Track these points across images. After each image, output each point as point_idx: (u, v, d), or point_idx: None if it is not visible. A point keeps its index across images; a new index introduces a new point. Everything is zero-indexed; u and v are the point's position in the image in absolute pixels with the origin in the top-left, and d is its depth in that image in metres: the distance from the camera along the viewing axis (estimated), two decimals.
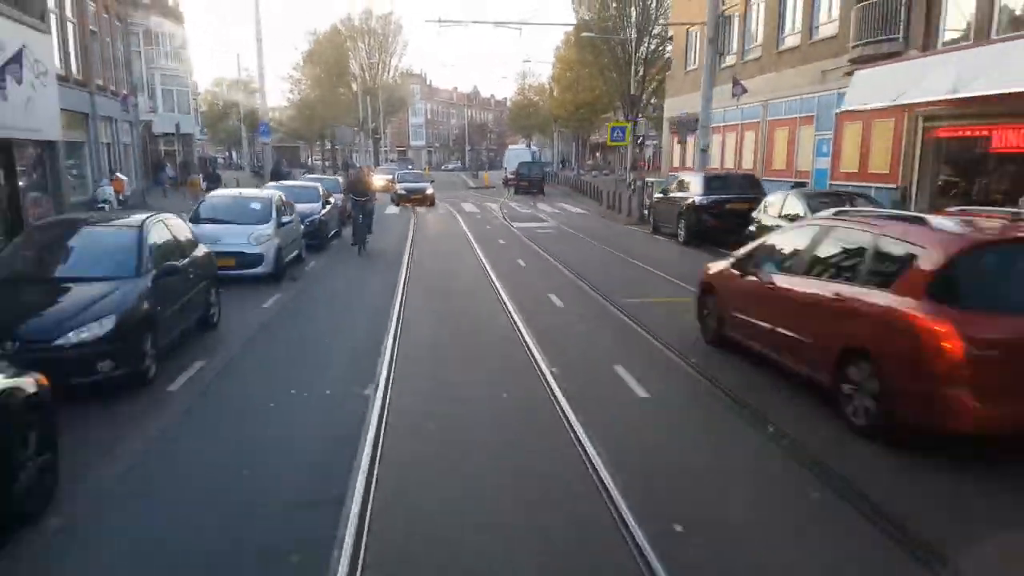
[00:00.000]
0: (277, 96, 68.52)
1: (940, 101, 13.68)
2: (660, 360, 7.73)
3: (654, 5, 41.17)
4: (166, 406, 6.12)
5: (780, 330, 6.61)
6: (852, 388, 5.54)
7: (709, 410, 6.36)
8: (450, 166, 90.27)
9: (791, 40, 21.62)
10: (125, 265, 6.87)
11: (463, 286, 12.14)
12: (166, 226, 8.07)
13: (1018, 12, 13.36)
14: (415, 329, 8.90)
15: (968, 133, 14.41)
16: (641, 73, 40.78)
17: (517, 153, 50.70)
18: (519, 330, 8.70)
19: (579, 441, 5.31)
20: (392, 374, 6.93)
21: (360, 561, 3.74)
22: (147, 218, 7.85)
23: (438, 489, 4.67)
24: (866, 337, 5.43)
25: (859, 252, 6.07)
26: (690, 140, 28.78)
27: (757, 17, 24.07)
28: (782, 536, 4.16)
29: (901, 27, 16.20)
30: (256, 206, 12.67)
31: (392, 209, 28.36)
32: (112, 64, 26.72)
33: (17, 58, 13.41)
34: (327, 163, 70.12)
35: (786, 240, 7.39)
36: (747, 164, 24.31)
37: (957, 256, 5.21)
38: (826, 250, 6.51)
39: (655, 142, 47.53)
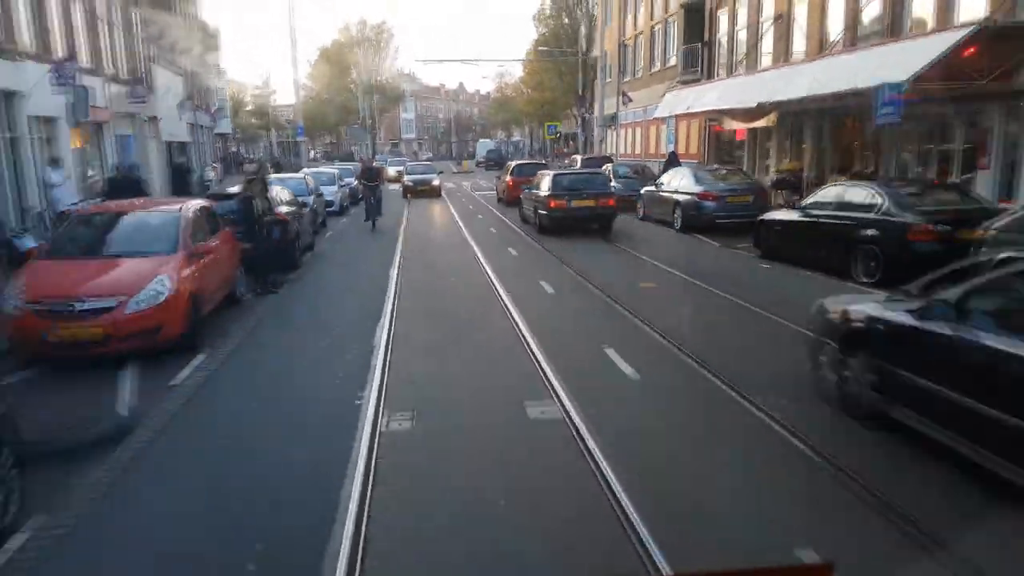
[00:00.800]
0: (288, 95, 78.76)
1: (711, 111, 24.27)
2: (500, 224, 18.25)
3: (599, 22, 51.76)
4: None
5: None
6: None
7: None
8: (423, 157, 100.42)
9: (656, 66, 32.36)
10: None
11: (440, 223, 22.49)
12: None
13: (742, 59, 23.98)
14: (412, 244, 19.03)
15: (723, 128, 25.17)
16: (589, 77, 51.28)
17: (485, 144, 73.17)
18: (465, 237, 18.50)
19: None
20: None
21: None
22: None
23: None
24: None
25: None
26: (609, 132, 39.82)
27: (639, 49, 34.82)
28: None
29: (701, 65, 26.89)
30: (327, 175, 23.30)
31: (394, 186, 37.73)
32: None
33: (183, 103, 24.10)
34: (324, 156, 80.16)
35: None
36: (638, 149, 35.00)
37: None
38: None
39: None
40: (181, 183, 22.88)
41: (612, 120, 38.85)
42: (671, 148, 26.14)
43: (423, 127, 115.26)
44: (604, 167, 23.85)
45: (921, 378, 4.64)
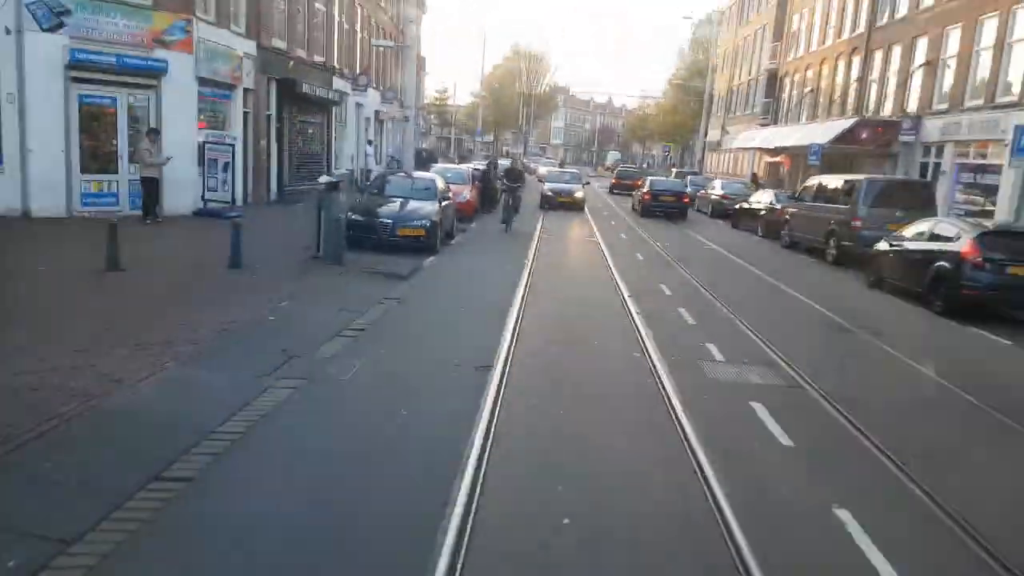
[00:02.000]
0: (462, 98, 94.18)
1: (761, 147, 35.23)
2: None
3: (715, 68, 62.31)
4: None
5: None
6: None
7: None
8: (567, 164, 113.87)
9: (748, 110, 43.34)
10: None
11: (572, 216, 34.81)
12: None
13: (786, 115, 34.76)
14: (550, 222, 31.65)
15: (775, 158, 36.09)
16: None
17: (613, 154, 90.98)
18: (592, 225, 30.99)
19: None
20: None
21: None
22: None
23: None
24: None
25: None
26: (715, 155, 50.81)
27: (739, 95, 45.80)
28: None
29: (770, 114, 37.79)
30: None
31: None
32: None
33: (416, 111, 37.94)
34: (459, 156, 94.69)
35: None
36: (730, 169, 45.88)
37: None
38: None
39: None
40: (422, 163, 36.53)
41: (717, 145, 49.81)
42: (754, 171, 37.46)
43: (570, 134, 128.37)
44: (686, 178, 35.48)
45: None
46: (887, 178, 18.57)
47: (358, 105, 28.61)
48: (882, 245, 13.22)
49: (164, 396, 5.51)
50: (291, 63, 20.11)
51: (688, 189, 29.86)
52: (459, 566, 3.48)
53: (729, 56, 50.61)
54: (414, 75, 22.65)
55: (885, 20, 26.42)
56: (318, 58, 22.70)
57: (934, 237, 11.90)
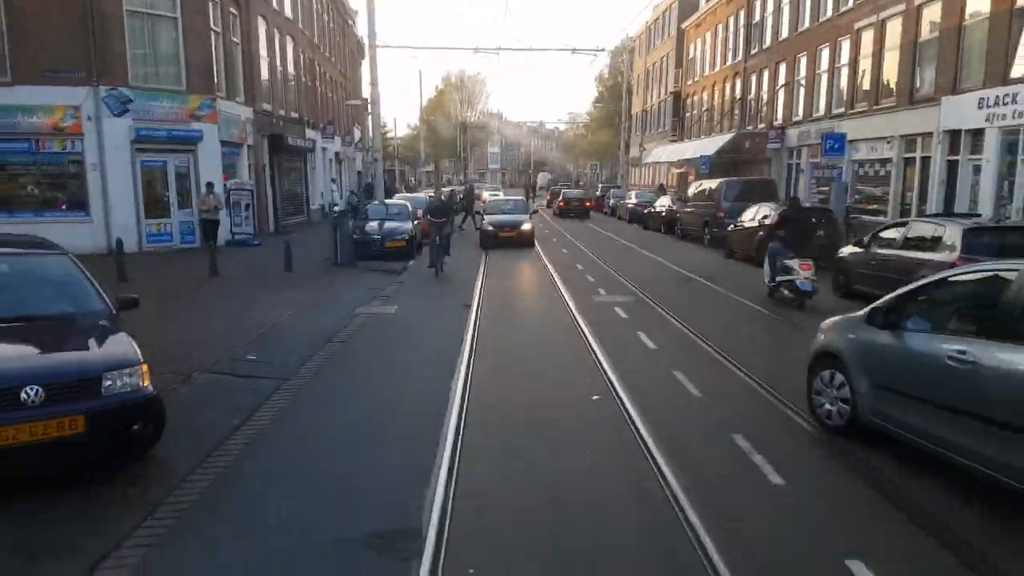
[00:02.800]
0: (403, 130, 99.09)
1: (665, 161, 41.20)
2: None
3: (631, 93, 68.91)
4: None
5: None
6: None
7: None
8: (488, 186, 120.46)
9: (660, 128, 49.56)
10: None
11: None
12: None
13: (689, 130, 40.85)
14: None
15: (681, 169, 42.14)
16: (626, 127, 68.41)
17: (543, 175, 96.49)
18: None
19: None
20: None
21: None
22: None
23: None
24: None
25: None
26: (636, 169, 56.71)
27: (651, 115, 52.08)
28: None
29: (678, 131, 43.89)
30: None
31: None
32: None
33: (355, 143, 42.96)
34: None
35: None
36: (649, 181, 51.88)
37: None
38: None
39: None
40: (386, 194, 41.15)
41: (638, 160, 55.89)
42: (661, 182, 43.33)
43: (507, 159, 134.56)
44: (608, 192, 41.29)
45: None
46: (741, 179, 24.23)
47: (323, 149, 33.32)
48: (731, 227, 18.69)
49: (299, 325, 10.31)
50: (276, 121, 24.83)
51: (589, 195, 38.67)
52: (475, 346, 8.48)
53: (642, 80, 56.98)
54: (379, 125, 27.26)
55: (756, 49, 32.57)
56: (294, 114, 27.45)
57: (756, 218, 17.39)
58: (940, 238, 10.55)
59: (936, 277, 5.67)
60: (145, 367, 4.98)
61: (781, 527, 4.51)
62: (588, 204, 34.31)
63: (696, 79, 42.05)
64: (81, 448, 4.60)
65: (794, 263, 11.67)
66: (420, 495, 4.75)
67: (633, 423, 6.14)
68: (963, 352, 4.66)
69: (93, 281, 5.86)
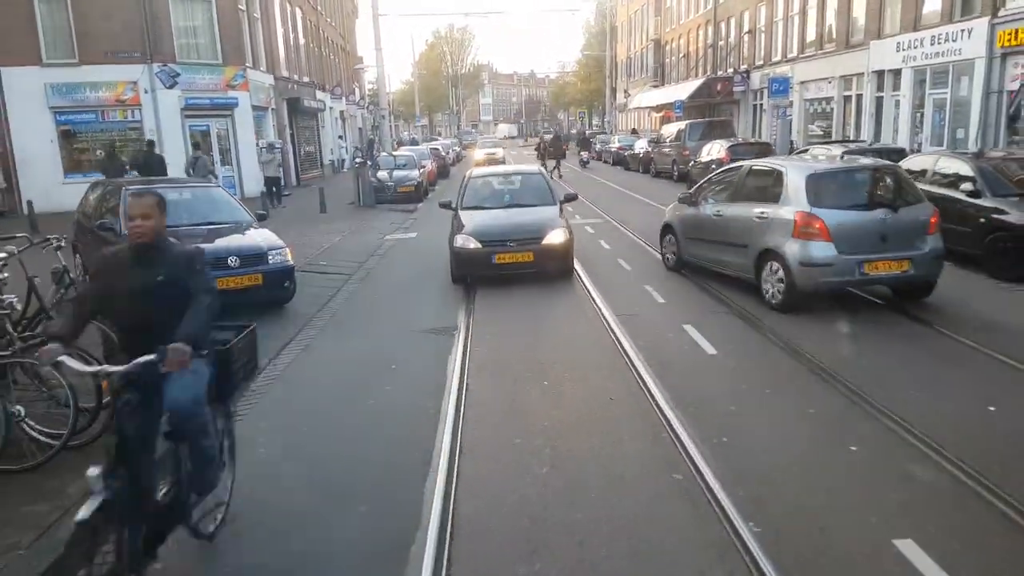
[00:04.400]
0: (393, 84, 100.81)
1: (647, 106, 44.05)
2: None
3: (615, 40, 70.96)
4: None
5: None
6: None
7: None
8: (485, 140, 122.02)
9: (643, 75, 52.13)
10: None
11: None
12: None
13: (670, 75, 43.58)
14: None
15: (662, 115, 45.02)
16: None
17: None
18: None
19: None
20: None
21: None
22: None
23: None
24: None
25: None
26: (622, 115, 59.41)
27: (635, 62, 54.54)
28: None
29: (659, 76, 46.59)
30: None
31: None
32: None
33: (358, 100, 45.66)
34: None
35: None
36: (634, 126, 54.69)
37: None
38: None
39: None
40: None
41: (624, 107, 58.56)
42: (633, 127, 46.18)
43: (498, 110, 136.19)
44: (595, 137, 44.23)
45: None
46: (703, 120, 27.42)
47: (331, 109, 36.29)
48: (691, 163, 21.97)
49: (346, 245, 13.75)
50: (292, 86, 27.85)
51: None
52: None
53: (625, 27, 59.27)
54: (384, 88, 30.13)
55: None
56: (306, 79, 30.42)
57: (711, 154, 20.67)
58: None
59: (711, 174, 10.71)
60: (289, 249, 8.47)
61: (646, 310, 8.16)
62: (565, 147, 37.84)
63: (674, 26, 44.60)
64: (260, 291, 8.11)
65: None
66: (453, 314, 8.37)
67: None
68: (719, 212, 9.25)
69: (239, 203, 9.33)
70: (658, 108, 41.77)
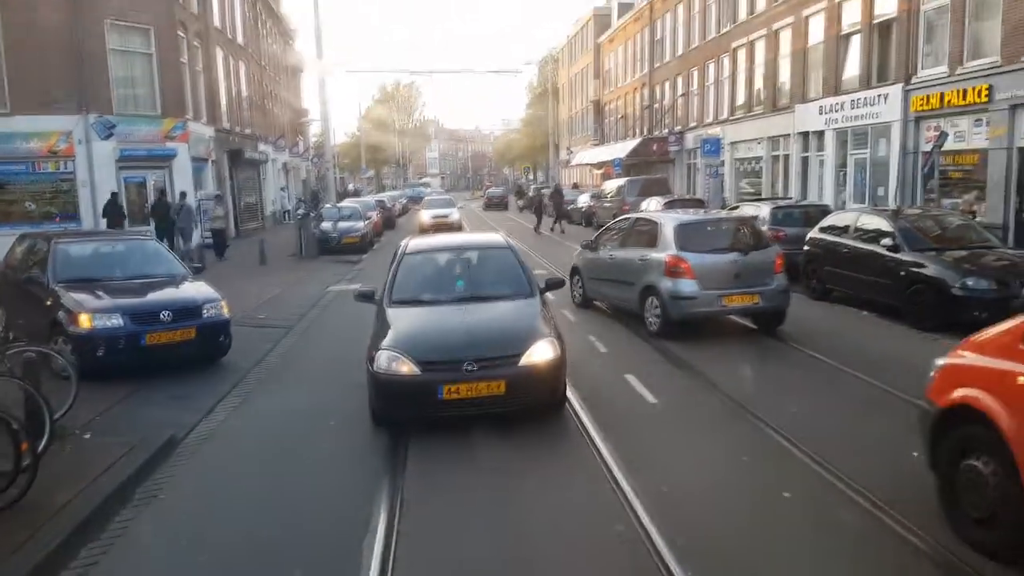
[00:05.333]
0: (338, 137, 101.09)
1: (587, 163, 45.29)
2: None
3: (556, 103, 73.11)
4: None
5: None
6: None
7: None
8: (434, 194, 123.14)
9: (584, 133, 53.69)
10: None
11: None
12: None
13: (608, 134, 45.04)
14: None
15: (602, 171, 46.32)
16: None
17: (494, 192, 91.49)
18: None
19: None
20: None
21: None
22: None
23: None
24: None
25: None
26: (565, 171, 60.75)
27: (577, 121, 56.20)
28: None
29: (599, 136, 48.03)
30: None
31: None
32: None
33: (301, 153, 45.63)
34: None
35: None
36: (577, 181, 56.02)
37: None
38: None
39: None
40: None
41: (567, 163, 60.01)
42: (575, 182, 47.33)
43: (446, 163, 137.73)
44: (540, 192, 44.98)
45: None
46: (641, 177, 28.31)
47: (273, 161, 36.11)
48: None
49: (287, 296, 13.55)
50: (234, 138, 27.67)
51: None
52: None
53: (567, 88, 61.18)
54: (330, 141, 30.22)
55: (659, 63, 36.84)
56: (248, 130, 30.28)
57: (649, 209, 21.30)
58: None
59: (608, 224, 12.63)
60: (224, 302, 8.29)
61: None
62: (505, 199, 39.34)
63: (612, 89, 46.28)
64: (194, 346, 7.88)
65: None
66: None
67: None
68: (612, 255, 10.84)
69: (174, 255, 9.14)
70: (599, 165, 42.95)
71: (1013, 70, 14.39)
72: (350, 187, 71.47)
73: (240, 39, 30.30)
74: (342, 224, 22.11)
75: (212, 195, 22.37)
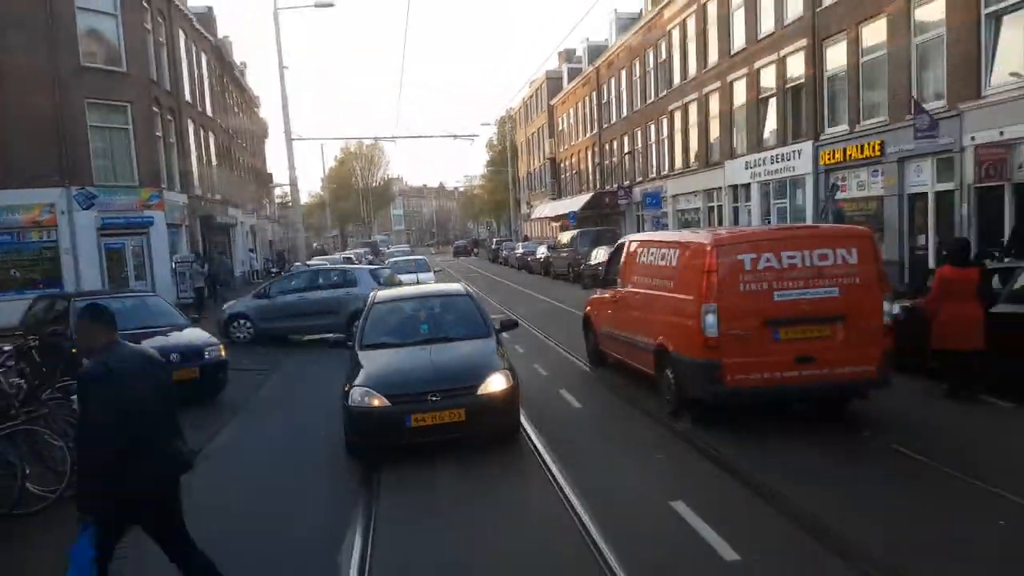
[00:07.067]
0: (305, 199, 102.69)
1: (548, 216, 47.57)
2: None
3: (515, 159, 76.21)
4: None
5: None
6: None
7: None
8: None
9: (542, 188, 56.20)
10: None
11: None
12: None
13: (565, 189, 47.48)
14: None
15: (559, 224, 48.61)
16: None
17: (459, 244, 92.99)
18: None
19: None
20: None
21: None
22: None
23: None
24: None
25: None
26: (527, 224, 63.03)
27: (535, 177, 58.83)
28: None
29: (556, 190, 50.46)
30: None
31: None
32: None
33: (268, 216, 47.10)
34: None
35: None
36: (539, 234, 58.28)
37: None
38: None
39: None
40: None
41: (528, 217, 62.42)
42: (527, 234, 49.45)
43: (410, 220, 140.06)
44: (501, 244, 47.15)
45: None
46: (592, 229, 30.41)
47: (242, 224, 37.56)
48: (582, 266, 24.48)
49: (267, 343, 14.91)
50: (205, 204, 29.14)
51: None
52: None
53: (524, 147, 64.06)
54: (299, 203, 31.79)
55: (607, 124, 39.50)
56: (218, 196, 31.79)
57: (598, 258, 23.19)
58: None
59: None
60: (222, 346, 9.74)
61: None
62: (470, 249, 41.15)
63: (567, 147, 48.98)
64: (198, 383, 9.29)
65: None
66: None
67: None
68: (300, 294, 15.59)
69: (175, 308, 10.61)
70: (556, 218, 45.22)
71: (899, 127, 16.70)
72: (315, 245, 73.12)
73: (209, 111, 32.05)
74: None
75: (189, 258, 23.69)
